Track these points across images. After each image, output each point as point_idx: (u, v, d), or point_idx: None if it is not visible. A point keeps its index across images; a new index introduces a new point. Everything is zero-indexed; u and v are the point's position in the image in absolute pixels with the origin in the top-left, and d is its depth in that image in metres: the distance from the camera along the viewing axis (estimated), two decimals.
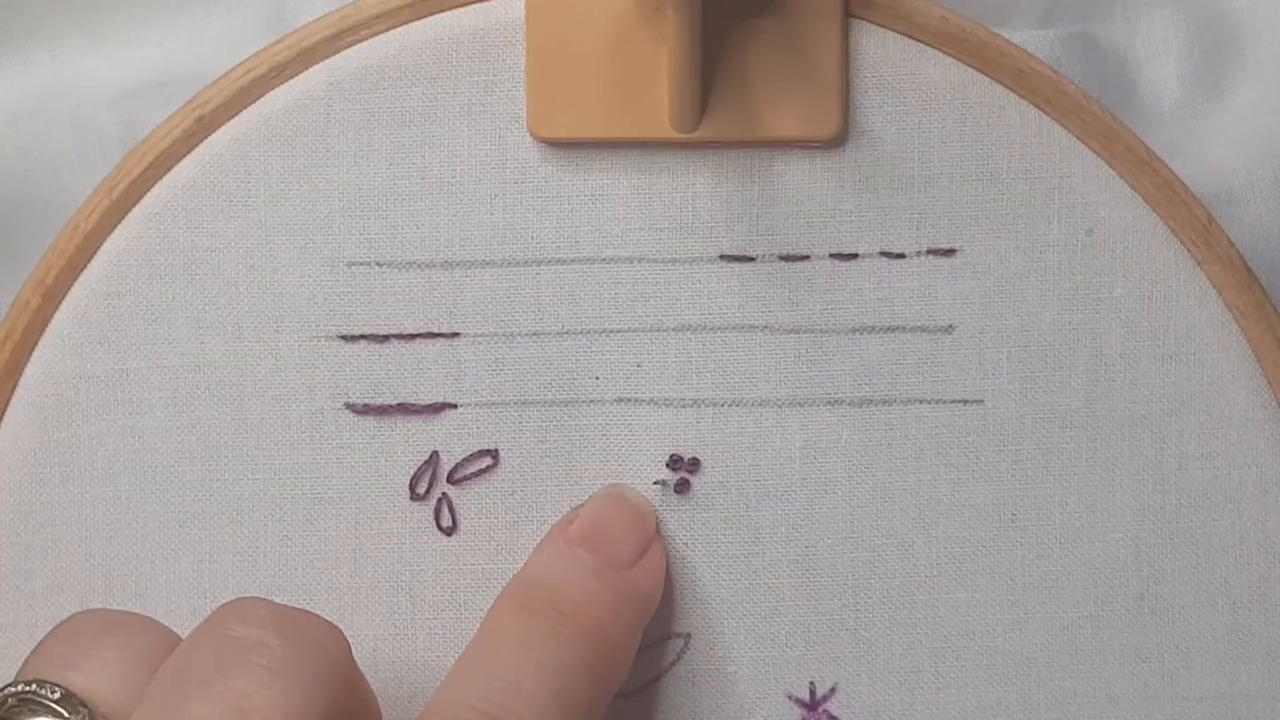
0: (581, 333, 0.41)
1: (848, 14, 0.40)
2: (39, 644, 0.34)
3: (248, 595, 0.34)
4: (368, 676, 0.37)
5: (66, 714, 0.32)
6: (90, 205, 0.41)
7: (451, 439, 0.41)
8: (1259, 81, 0.48)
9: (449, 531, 0.41)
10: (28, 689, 0.32)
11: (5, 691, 0.32)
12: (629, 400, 0.41)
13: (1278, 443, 0.41)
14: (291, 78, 0.41)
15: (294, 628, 0.32)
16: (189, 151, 0.41)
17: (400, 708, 0.40)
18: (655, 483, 0.41)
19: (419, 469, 0.41)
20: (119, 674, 0.32)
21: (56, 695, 0.32)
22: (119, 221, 0.41)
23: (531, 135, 0.40)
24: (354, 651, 0.38)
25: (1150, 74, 0.48)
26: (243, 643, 0.32)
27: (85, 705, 0.32)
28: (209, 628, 0.33)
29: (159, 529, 0.41)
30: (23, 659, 0.40)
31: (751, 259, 0.41)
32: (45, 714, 0.32)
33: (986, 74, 0.41)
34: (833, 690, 0.41)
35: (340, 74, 0.41)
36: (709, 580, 0.41)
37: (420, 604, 0.40)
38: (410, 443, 0.41)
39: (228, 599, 0.40)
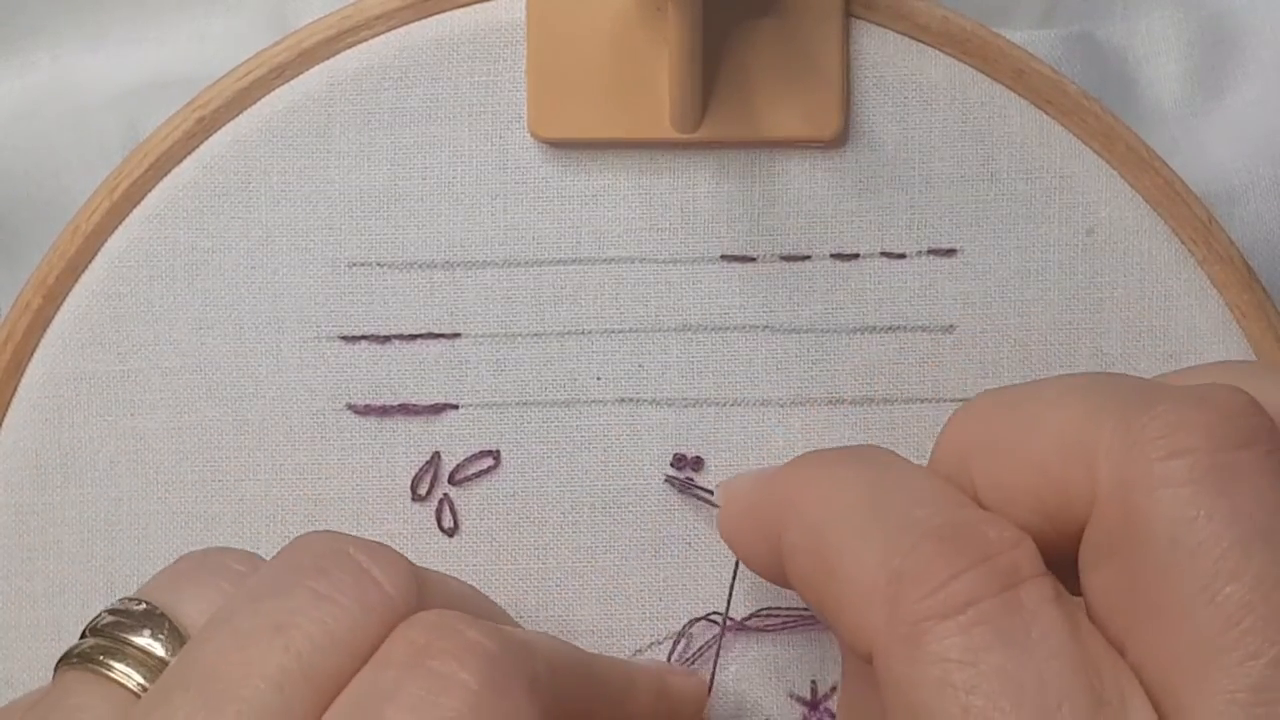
0: (583, 333, 0.41)
1: (848, 14, 0.40)
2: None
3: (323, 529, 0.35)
4: None
5: (150, 628, 0.33)
6: (91, 206, 0.41)
7: (453, 440, 0.41)
8: (1259, 80, 0.48)
9: (450, 532, 0.41)
10: (118, 604, 0.34)
11: (101, 611, 0.34)
12: (631, 400, 0.41)
13: None
14: (292, 78, 0.41)
15: (350, 561, 0.33)
16: (190, 152, 0.41)
17: None
18: (665, 480, 0.41)
19: (420, 470, 0.41)
20: (207, 598, 0.34)
21: (141, 608, 0.34)
22: (120, 222, 0.41)
23: (532, 135, 0.40)
24: None
25: (1150, 74, 0.48)
26: (300, 569, 0.33)
27: (166, 617, 0.33)
28: (278, 557, 0.34)
29: (160, 530, 0.41)
30: (25, 660, 0.40)
31: (752, 259, 0.41)
32: (133, 628, 0.33)
33: (987, 74, 0.41)
34: (834, 689, 0.41)
35: (341, 75, 0.41)
36: (712, 579, 0.41)
37: None
38: (411, 443, 0.41)
39: None
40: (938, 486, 0.32)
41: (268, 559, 0.35)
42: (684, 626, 0.41)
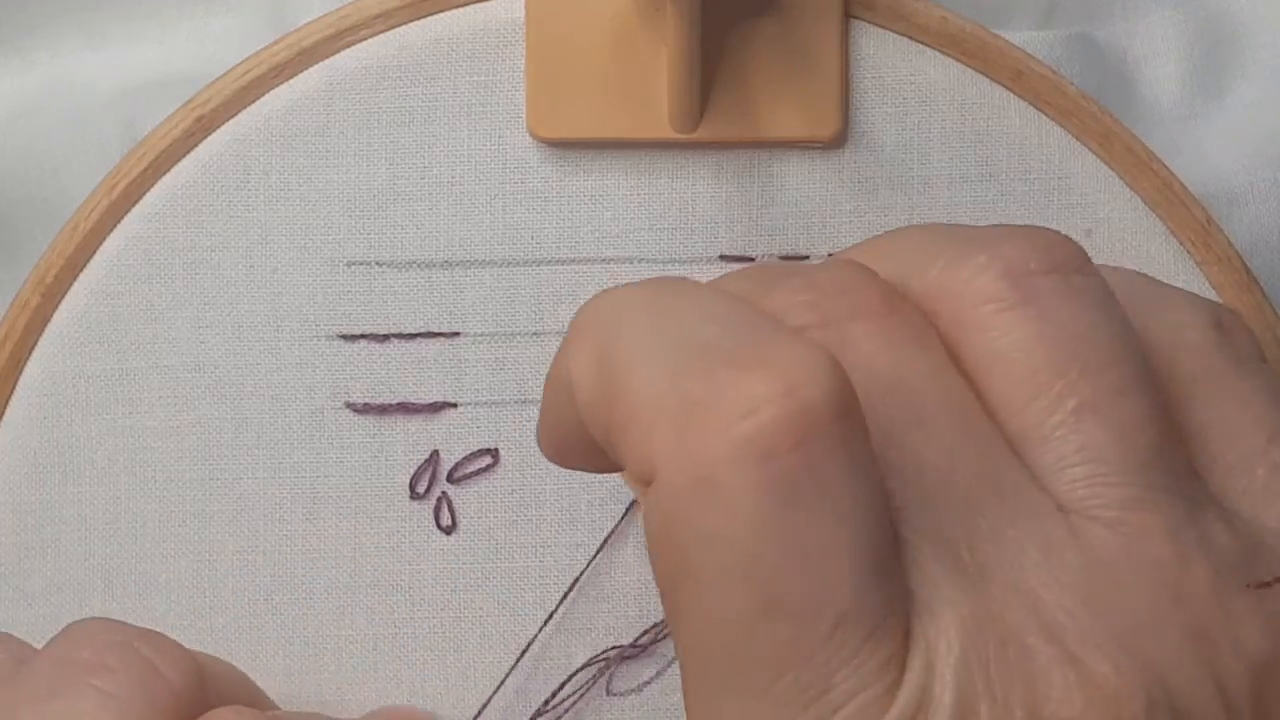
0: None
1: (848, 14, 0.40)
2: None
3: (96, 616, 0.34)
4: (365, 675, 0.37)
5: None
6: (90, 205, 0.41)
7: (451, 438, 0.41)
8: (1259, 81, 0.48)
9: (449, 530, 0.41)
10: None
11: None
12: None
13: None
14: (291, 77, 0.41)
15: (133, 654, 0.32)
16: (189, 151, 0.41)
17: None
18: None
19: (419, 468, 0.41)
20: None
21: None
22: (119, 221, 0.41)
23: (531, 135, 0.41)
24: (352, 651, 0.38)
25: (1150, 74, 0.48)
26: (81, 664, 0.32)
27: None
28: (52, 648, 0.33)
29: (158, 529, 0.41)
30: None
31: (751, 259, 0.41)
32: None
33: (986, 75, 0.41)
34: None
35: (340, 74, 0.41)
36: None
37: (419, 603, 0.40)
38: (410, 442, 0.41)
39: (227, 598, 0.40)
40: (727, 300, 0.30)
41: (32, 644, 0.34)
42: (660, 623, 0.41)
